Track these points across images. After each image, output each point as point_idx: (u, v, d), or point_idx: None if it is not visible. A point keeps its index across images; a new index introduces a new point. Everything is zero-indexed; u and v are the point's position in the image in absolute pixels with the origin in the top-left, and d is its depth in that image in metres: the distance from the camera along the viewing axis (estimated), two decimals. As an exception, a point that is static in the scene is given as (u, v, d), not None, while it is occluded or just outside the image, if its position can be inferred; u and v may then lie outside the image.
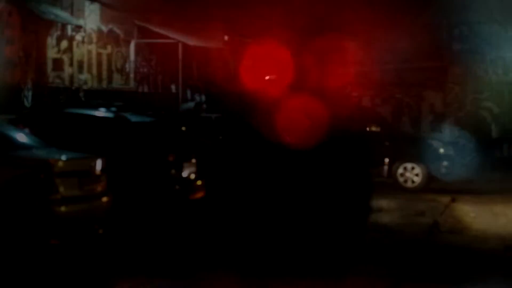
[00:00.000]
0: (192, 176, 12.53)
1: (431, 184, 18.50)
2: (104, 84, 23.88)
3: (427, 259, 10.00)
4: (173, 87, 26.81)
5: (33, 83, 20.18)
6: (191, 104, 25.28)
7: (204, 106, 25.11)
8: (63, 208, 8.93)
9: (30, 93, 19.79)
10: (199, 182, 12.72)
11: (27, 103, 19.41)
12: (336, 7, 27.83)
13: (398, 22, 27.48)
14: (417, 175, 18.60)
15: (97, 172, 9.81)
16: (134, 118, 13.01)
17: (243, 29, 27.85)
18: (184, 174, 12.28)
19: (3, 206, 8.52)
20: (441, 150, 19.14)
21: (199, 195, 12.77)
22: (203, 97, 27.59)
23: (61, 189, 9.00)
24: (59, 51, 21.60)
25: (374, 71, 26.34)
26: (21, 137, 10.20)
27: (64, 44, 21.85)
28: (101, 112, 12.98)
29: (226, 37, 28.08)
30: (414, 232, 11.82)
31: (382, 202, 14.78)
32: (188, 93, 27.42)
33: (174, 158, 12.07)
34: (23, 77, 20.12)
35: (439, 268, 9.52)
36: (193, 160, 12.61)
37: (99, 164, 9.86)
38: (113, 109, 14.51)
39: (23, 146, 9.85)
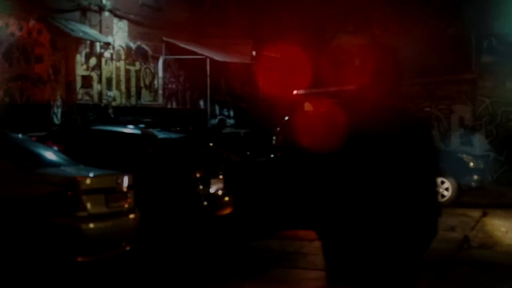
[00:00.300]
0: (220, 192, 12.51)
1: (462, 198, 18.33)
2: (133, 101, 23.99)
3: (456, 275, 9.87)
4: (201, 102, 26.87)
5: (62, 100, 20.32)
6: (216, 120, 25.33)
7: (227, 121, 25.11)
8: (90, 225, 8.94)
9: (59, 110, 19.92)
10: (226, 198, 12.70)
11: (56, 120, 19.54)
12: (363, 21, 27.79)
13: (427, 34, 27.37)
14: (447, 189, 18.44)
15: (124, 189, 9.82)
16: (162, 135, 13.03)
17: (271, 45, 27.86)
18: (212, 190, 12.26)
19: (31, 223, 8.55)
20: (471, 164, 18.97)
21: (227, 211, 12.75)
22: (232, 112, 27.62)
23: (88, 206, 9.01)
24: (87, 68, 21.74)
25: (402, 84, 26.18)
26: (49, 154, 10.24)
27: (92, 61, 22.00)
28: (129, 129, 13.03)
29: (253, 53, 28.12)
30: (444, 248, 11.69)
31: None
32: (217, 108, 27.46)
33: (202, 174, 12.06)
34: (52, 94, 20.26)
35: (468, 285, 9.40)
36: (221, 176, 12.59)
37: (126, 181, 9.87)
38: (142, 125, 14.57)
39: (51, 163, 9.89)
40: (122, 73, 23.57)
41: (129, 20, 23.61)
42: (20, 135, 10.90)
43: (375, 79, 4.06)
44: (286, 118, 17.64)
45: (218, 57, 25.61)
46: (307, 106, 24.48)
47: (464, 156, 19.50)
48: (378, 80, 4.05)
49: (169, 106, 25.70)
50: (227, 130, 20.54)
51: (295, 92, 26.09)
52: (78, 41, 21.10)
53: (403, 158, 3.89)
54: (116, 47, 23.09)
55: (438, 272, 9.92)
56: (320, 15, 27.43)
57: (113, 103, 22.43)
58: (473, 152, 21.94)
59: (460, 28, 27.21)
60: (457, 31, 27.25)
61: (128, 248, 9.65)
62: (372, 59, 4.11)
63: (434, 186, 4.04)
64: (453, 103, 25.99)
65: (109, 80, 22.82)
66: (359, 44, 26.37)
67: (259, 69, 28.37)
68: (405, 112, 4.08)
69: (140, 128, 13.27)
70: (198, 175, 11.99)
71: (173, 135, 13.47)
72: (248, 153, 15.91)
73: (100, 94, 22.32)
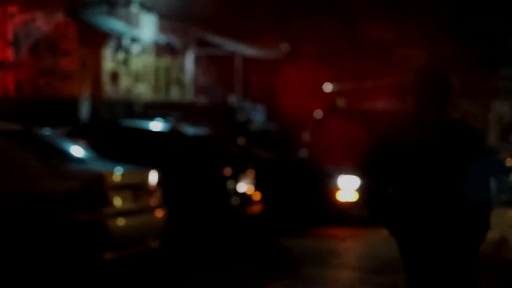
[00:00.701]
0: (250, 190, 12.51)
1: (500, 197, 18.18)
2: (161, 96, 24.06)
3: (494, 275, 9.79)
4: (231, 98, 26.89)
5: (89, 95, 20.43)
6: (243, 116, 25.33)
7: (251, 118, 25.07)
8: (116, 222, 8.97)
9: (86, 105, 20.03)
10: (256, 196, 12.70)
11: (83, 115, 19.65)
12: (398, 14, 27.63)
13: (465, 28, 27.16)
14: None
15: (152, 186, 9.86)
16: (190, 131, 13.06)
17: (304, 39, 27.81)
18: (241, 187, 12.26)
19: (56, 220, 8.60)
20: (510, 162, 18.82)
21: (257, 209, 12.75)
22: (262, 108, 27.61)
23: (115, 202, 9.05)
24: (115, 63, 21.84)
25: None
26: (76, 150, 10.30)
27: (120, 55, 22.09)
28: (157, 125, 13.07)
29: (285, 48, 28.08)
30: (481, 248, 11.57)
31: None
32: (247, 104, 27.47)
33: (231, 171, 12.06)
34: (79, 89, 20.39)
35: (506, 286, 9.31)
36: (250, 174, 12.59)
37: (154, 177, 9.90)
38: (170, 121, 14.61)
39: (77, 159, 9.94)
40: (151, 68, 23.65)
41: (158, 13, 23.66)
42: (47, 130, 10.97)
43: (429, 100, 4.55)
44: (318, 116, 17.60)
45: (249, 51, 25.60)
46: (340, 102, 24.36)
47: (503, 154, 19.33)
48: (432, 101, 4.55)
49: (198, 101, 25.75)
50: (257, 126, 20.53)
51: (326, 87, 26.00)
52: (105, 36, 21.19)
53: (458, 162, 4.49)
54: (145, 41, 23.17)
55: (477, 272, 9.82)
56: (354, 8, 27.33)
57: (141, 99, 22.51)
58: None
59: (500, 22, 26.96)
60: (496, 24, 27.01)
61: (155, 246, 9.68)
62: (427, 82, 4.56)
63: (487, 184, 4.59)
64: (491, 99, 25.76)
65: (137, 75, 22.91)
66: (393, 38, 26.28)
67: (291, 64, 28.34)
68: (457, 122, 4.60)
69: (169, 125, 13.30)
70: (227, 172, 12.00)
71: (202, 132, 13.49)
72: (277, 150, 15.90)
73: (128, 89, 22.41)
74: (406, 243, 4.56)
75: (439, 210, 4.49)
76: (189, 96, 25.60)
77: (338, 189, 14.44)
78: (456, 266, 4.58)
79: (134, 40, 22.48)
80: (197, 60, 25.95)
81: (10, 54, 19.51)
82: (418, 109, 4.56)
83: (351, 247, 12.37)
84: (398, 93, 25.71)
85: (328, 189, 14.53)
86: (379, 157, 4.55)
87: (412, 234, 4.52)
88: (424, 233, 4.50)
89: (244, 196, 12.35)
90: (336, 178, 14.46)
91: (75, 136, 12.09)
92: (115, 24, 21.60)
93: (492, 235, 13.55)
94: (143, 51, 23.15)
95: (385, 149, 4.53)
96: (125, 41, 22.23)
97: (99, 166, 9.72)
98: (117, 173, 9.37)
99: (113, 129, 13.04)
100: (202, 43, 25.38)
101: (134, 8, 22.59)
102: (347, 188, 14.36)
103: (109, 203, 8.95)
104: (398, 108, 21.61)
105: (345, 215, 14.51)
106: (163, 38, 23.98)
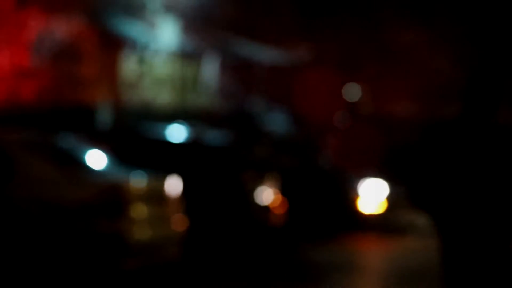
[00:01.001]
0: (273, 198, 12.46)
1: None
2: (182, 103, 24.08)
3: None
4: (254, 105, 26.87)
5: (108, 101, 20.49)
6: (266, 122, 25.26)
7: (274, 124, 24.99)
8: (135, 231, 8.97)
9: (105, 111, 20.09)
10: (280, 204, 12.64)
11: (103, 122, 19.70)
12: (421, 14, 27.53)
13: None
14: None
15: (171, 193, 9.84)
16: (211, 139, 13.04)
17: (327, 44, 27.76)
18: (264, 196, 12.21)
19: (75, 228, 8.61)
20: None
21: (281, 217, 12.68)
22: (285, 114, 27.57)
23: (134, 210, 9.04)
24: (135, 68, 21.90)
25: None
26: (96, 157, 10.31)
27: (140, 61, 22.14)
28: (178, 132, 13.07)
29: (307, 52, 28.04)
30: None
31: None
32: (269, 110, 27.43)
33: (254, 180, 12.02)
34: (98, 95, 20.45)
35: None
36: (275, 182, 12.54)
37: (173, 185, 9.89)
38: (190, 128, 14.60)
39: (97, 166, 9.95)
40: (171, 73, 23.68)
41: (179, 18, 23.69)
42: (66, 138, 10.99)
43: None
44: (342, 121, 17.54)
45: (273, 59, 25.57)
46: (363, 107, 24.27)
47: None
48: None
49: (220, 108, 25.74)
50: (280, 133, 20.50)
51: (348, 92, 25.91)
52: (125, 41, 21.26)
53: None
54: (165, 46, 23.21)
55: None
56: (376, 12, 27.24)
57: (161, 105, 22.54)
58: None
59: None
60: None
61: (175, 256, 9.66)
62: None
63: None
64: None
65: (157, 81, 22.95)
66: (416, 39, 26.17)
67: (313, 68, 28.29)
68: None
69: (190, 131, 13.30)
70: (249, 181, 11.96)
71: (223, 140, 13.46)
72: (301, 157, 15.86)
73: (148, 95, 22.45)
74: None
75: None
76: (211, 102, 25.60)
77: (362, 196, 14.39)
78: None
79: (154, 45, 22.53)
80: (219, 66, 25.96)
81: (30, 60, 19.61)
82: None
83: (376, 256, 12.30)
84: (422, 96, 25.60)
85: (353, 196, 14.49)
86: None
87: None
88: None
89: (267, 204, 12.30)
90: (361, 184, 14.40)
91: (94, 143, 12.10)
92: (135, 29, 21.66)
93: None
94: (164, 56, 23.20)
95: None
96: (145, 47, 22.28)
97: (119, 174, 9.72)
98: (136, 181, 9.37)
99: (133, 136, 13.04)
100: (225, 49, 25.38)
101: (155, 13, 22.65)
102: (372, 195, 14.30)
103: (128, 211, 8.95)
104: (420, 112, 21.49)
105: (370, 223, 14.45)
106: (184, 43, 24.02)
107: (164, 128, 13.81)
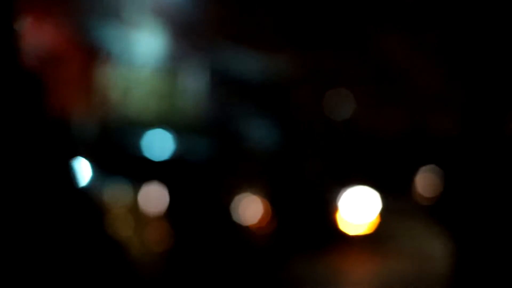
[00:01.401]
0: (262, 214, 12.43)
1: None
2: (171, 117, 23.93)
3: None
4: (247, 118, 26.72)
5: (95, 117, 20.38)
6: (248, 132, 25.20)
7: (257, 134, 24.96)
8: (121, 249, 8.90)
9: (92, 127, 19.97)
10: (269, 220, 12.61)
11: (89, 137, 19.60)
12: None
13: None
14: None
15: (157, 213, 9.81)
16: (198, 155, 12.97)
17: (314, 52, 27.74)
18: (252, 211, 12.18)
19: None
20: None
21: (268, 234, 12.65)
22: (270, 124, 27.52)
23: (120, 228, 9.00)
24: (122, 83, 21.80)
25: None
26: (81, 172, 10.24)
27: (127, 75, 22.05)
28: (164, 149, 12.98)
29: (292, 65, 28.01)
30: None
31: None
32: (256, 121, 27.32)
33: (236, 193, 11.99)
34: (85, 110, 20.36)
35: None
36: (263, 198, 12.52)
37: (159, 204, 9.86)
38: (177, 144, 14.50)
39: (81, 181, 9.88)
40: (159, 87, 23.52)
41: (162, 25, 23.61)
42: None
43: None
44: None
45: (256, 66, 25.52)
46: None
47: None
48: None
49: (211, 123, 25.54)
50: (264, 143, 20.49)
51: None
52: (106, 50, 21.18)
53: None
54: (147, 55, 23.12)
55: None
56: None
57: (151, 120, 22.38)
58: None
59: None
60: None
61: (159, 273, 9.61)
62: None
63: None
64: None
65: (144, 95, 22.82)
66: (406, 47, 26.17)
67: (297, 79, 28.27)
68: None
69: (174, 151, 13.19)
70: (233, 193, 11.92)
71: (210, 156, 13.37)
72: (285, 167, 15.87)
73: (134, 110, 22.27)
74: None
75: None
76: (201, 116, 25.43)
77: (344, 206, 14.33)
78: None
79: (136, 54, 22.47)
80: (211, 77, 25.84)
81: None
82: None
83: (363, 271, 12.29)
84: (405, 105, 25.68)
85: (334, 206, 14.46)
86: None
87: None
88: None
89: (253, 218, 12.28)
90: (342, 194, 14.36)
91: (80, 158, 12.01)
92: (116, 38, 21.60)
93: None
94: (152, 70, 23.11)
95: None
96: (127, 56, 22.21)
97: (105, 190, 9.68)
98: (122, 197, 9.33)
99: (119, 152, 12.98)
100: (217, 59, 25.28)
101: (137, 22, 22.58)
102: (354, 205, 14.24)
103: (114, 228, 8.89)
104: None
105: (353, 235, 14.43)
106: (166, 52, 23.97)
107: (145, 139, 13.70)
